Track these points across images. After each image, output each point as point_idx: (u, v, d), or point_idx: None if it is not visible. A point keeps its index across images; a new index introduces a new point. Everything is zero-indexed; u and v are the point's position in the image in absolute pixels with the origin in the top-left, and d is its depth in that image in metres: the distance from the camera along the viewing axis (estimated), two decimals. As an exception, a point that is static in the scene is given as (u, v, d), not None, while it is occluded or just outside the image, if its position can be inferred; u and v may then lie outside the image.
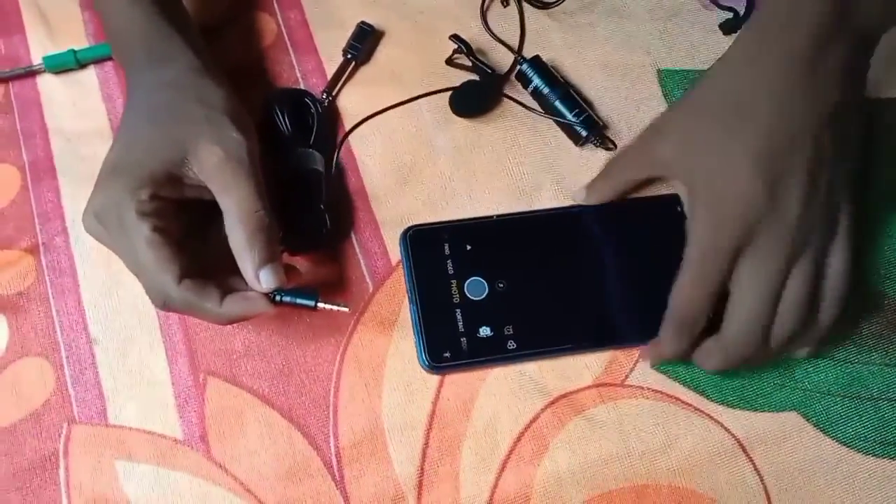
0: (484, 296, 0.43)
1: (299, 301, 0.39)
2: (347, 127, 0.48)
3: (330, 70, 0.49)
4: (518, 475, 0.42)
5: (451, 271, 0.43)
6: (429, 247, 0.43)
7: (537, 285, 0.43)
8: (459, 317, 0.42)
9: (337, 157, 0.46)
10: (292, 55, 0.50)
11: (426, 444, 0.42)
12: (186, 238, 0.39)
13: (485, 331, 0.42)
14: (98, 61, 0.49)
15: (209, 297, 0.37)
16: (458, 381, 0.43)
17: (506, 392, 0.43)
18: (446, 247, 0.43)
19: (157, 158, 0.37)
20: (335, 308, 0.39)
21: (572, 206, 0.45)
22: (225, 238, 0.38)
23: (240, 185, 0.37)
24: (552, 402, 0.43)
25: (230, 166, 0.37)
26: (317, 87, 0.49)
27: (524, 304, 0.43)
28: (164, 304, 0.37)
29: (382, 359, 0.43)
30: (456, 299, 0.43)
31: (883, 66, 0.48)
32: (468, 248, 0.43)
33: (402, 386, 0.43)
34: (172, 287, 0.36)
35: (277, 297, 0.39)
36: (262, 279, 0.37)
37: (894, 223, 0.46)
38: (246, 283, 0.38)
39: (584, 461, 0.42)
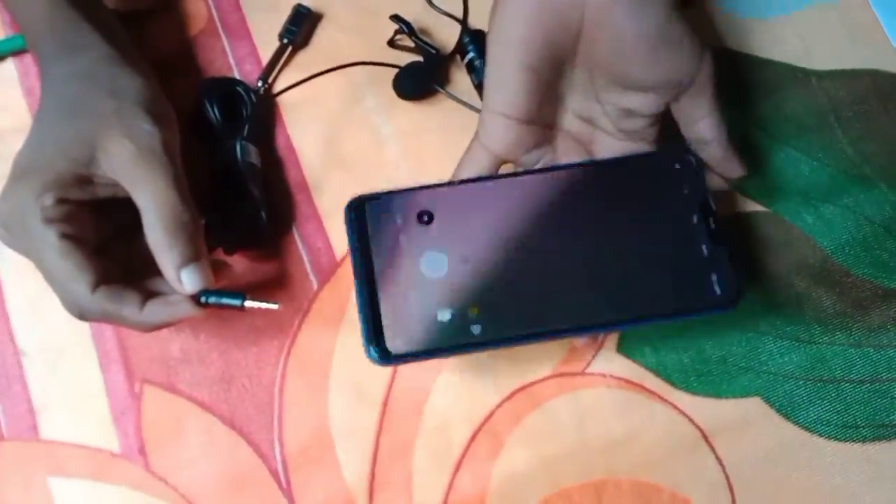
0: (443, 273, 0.36)
1: (225, 301, 0.37)
2: (285, 117, 0.45)
3: (265, 56, 0.46)
4: (473, 475, 0.40)
5: (404, 245, 0.36)
6: (378, 218, 0.37)
7: (507, 260, 0.37)
8: (413, 299, 0.36)
9: (272, 144, 0.44)
10: (225, 41, 0.47)
11: (376, 447, 0.40)
12: (109, 241, 0.37)
13: (444, 314, 0.36)
14: (16, 53, 0.46)
15: (127, 303, 0.35)
16: (410, 380, 0.41)
17: (459, 388, 0.41)
18: (398, 217, 0.37)
19: (63, 158, 0.35)
20: (263, 306, 0.37)
21: (550, 167, 0.39)
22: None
23: (154, 180, 0.35)
24: (509, 397, 0.41)
25: (142, 160, 0.35)
26: (252, 73, 0.46)
27: (492, 282, 0.36)
28: (80, 314, 0.35)
29: (329, 359, 0.42)
30: (410, 278, 0.36)
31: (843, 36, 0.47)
32: (425, 218, 0.37)
33: (350, 387, 0.41)
34: (86, 296, 0.34)
35: (203, 299, 0.36)
36: (184, 280, 0.35)
37: (856, 198, 0.45)
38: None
39: (542, 457, 0.40)
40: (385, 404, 0.41)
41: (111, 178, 0.35)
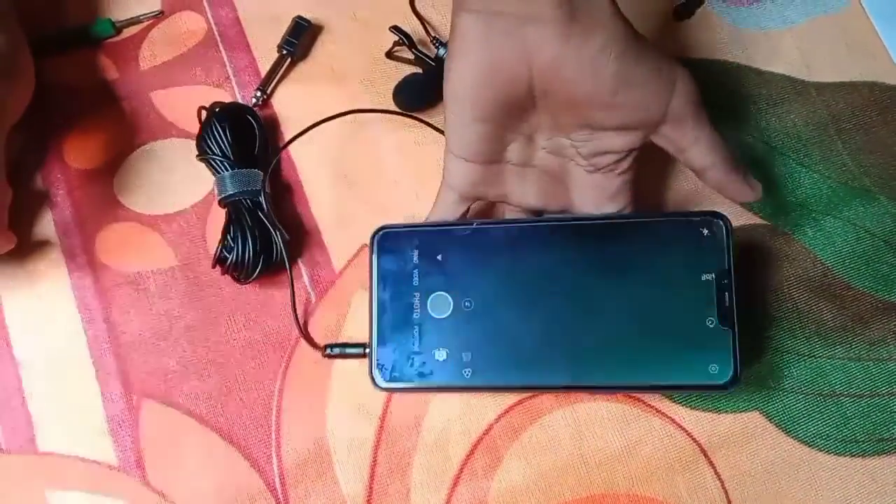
0: (447, 314, 0.38)
1: (349, 352, 0.41)
2: (284, 130, 0.45)
3: (264, 68, 0.46)
4: (471, 490, 0.40)
5: (416, 282, 0.38)
6: (397, 252, 0.38)
7: (508, 309, 0.38)
8: (417, 334, 0.38)
9: (275, 168, 0.44)
10: (223, 53, 0.47)
11: (374, 462, 0.40)
12: None
13: (441, 353, 0.37)
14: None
15: None
16: (408, 395, 0.41)
17: (457, 403, 0.41)
18: (415, 254, 0.38)
19: None
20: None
21: (570, 217, 0.39)
22: None
23: None
24: (507, 411, 0.41)
25: None
26: (249, 85, 0.46)
27: (489, 330, 0.38)
28: None
29: (327, 374, 0.41)
30: (417, 314, 0.38)
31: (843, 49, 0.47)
32: (439, 258, 0.38)
33: (348, 402, 0.41)
34: None
35: (329, 351, 0.41)
36: None
37: (856, 211, 0.45)
38: None
39: (540, 472, 0.40)
40: (383, 419, 0.41)
41: None
